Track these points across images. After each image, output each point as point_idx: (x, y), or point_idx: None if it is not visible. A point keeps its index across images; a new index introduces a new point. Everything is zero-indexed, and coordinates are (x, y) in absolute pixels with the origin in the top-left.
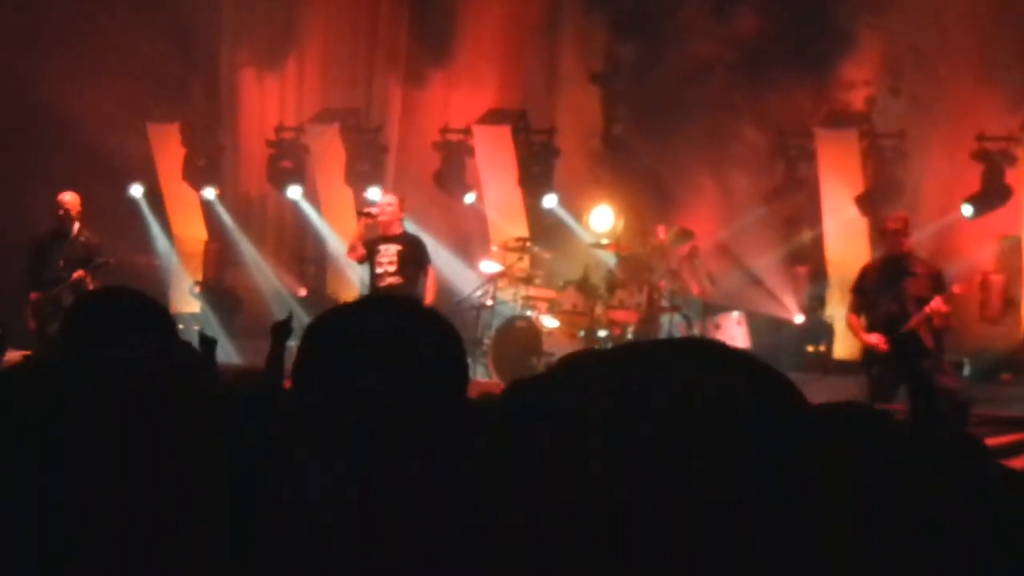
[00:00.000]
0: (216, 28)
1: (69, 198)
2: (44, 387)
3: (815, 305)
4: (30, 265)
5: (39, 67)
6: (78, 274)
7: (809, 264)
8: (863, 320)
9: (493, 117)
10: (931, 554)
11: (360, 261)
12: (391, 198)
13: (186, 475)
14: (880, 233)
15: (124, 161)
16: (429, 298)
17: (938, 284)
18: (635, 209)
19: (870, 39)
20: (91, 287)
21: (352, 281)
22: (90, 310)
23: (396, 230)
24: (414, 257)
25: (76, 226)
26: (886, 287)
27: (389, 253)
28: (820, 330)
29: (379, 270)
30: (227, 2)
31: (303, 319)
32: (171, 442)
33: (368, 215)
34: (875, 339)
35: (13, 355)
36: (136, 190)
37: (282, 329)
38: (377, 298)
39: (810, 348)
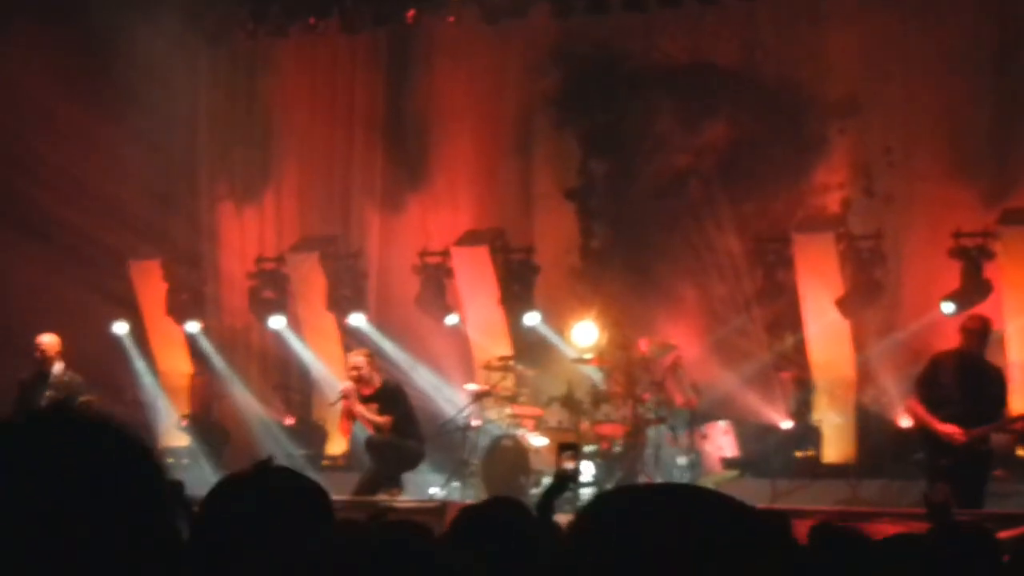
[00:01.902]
0: (193, 164)
1: (47, 340)
2: None
3: (802, 410)
4: (15, 407)
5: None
6: None
7: (793, 369)
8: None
9: (471, 238)
10: None
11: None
12: (359, 360)
13: None
14: (961, 331)
15: (106, 300)
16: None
17: (1005, 388)
18: (617, 322)
19: (842, 143)
20: None
21: (337, 408)
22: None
23: (372, 387)
24: (392, 409)
25: (58, 366)
26: (964, 384)
27: (373, 412)
28: (808, 435)
29: (370, 430)
30: (203, 139)
31: (289, 448)
32: None
33: (343, 397)
34: (951, 429)
35: None
36: (120, 327)
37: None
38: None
39: (799, 453)
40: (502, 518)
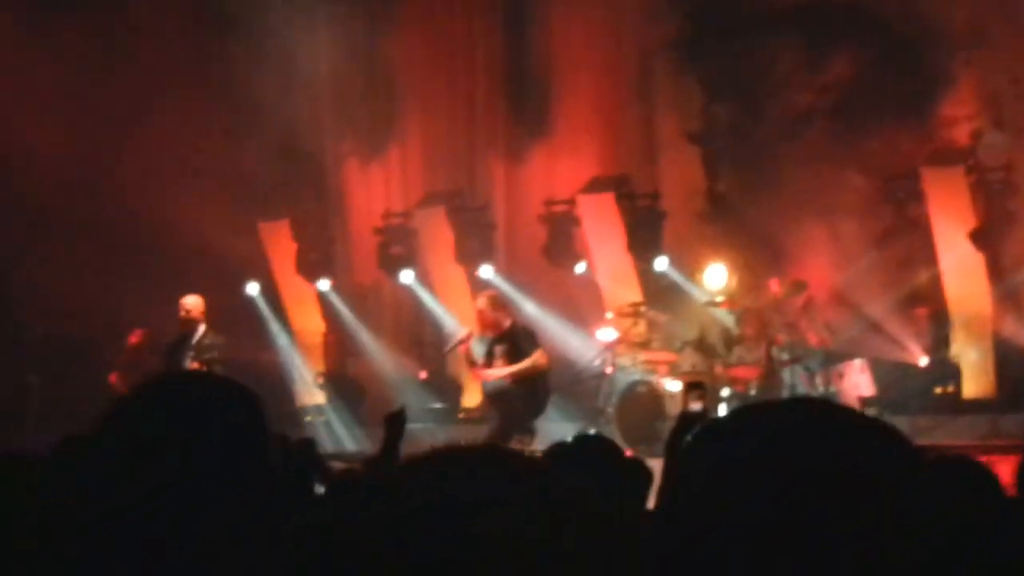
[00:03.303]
0: (318, 123)
1: (191, 301)
2: None
3: (939, 346)
4: (163, 368)
5: (146, 174)
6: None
7: (929, 305)
8: None
9: (596, 185)
10: None
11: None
12: (481, 302)
13: None
14: None
15: (238, 261)
16: (513, 371)
17: None
18: (747, 264)
19: (968, 75)
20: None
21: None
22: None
23: (501, 327)
24: (520, 350)
25: (201, 328)
26: None
27: (500, 353)
28: (947, 371)
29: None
30: (326, 99)
31: (424, 402)
32: None
33: (461, 341)
34: None
35: None
36: (252, 288)
37: (395, 420)
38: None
39: (938, 390)
40: (591, 454)
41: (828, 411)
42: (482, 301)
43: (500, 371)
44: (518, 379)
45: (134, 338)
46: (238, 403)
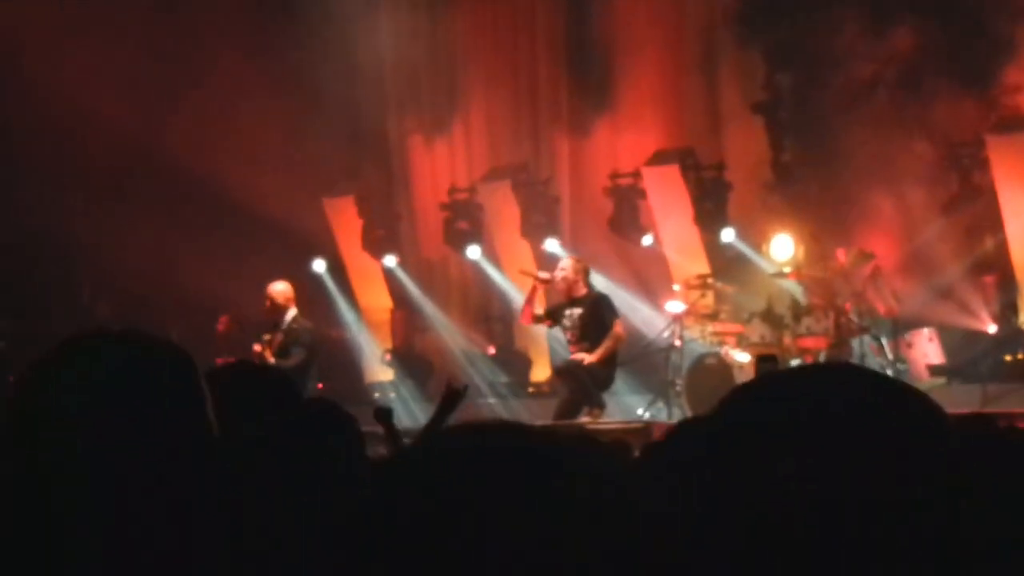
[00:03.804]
0: (382, 100)
1: (278, 288)
2: None
3: (1007, 313)
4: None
5: (217, 152)
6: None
7: (996, 272)
8: None
9: (661, 157)
10: None
11: (534, 323)
12: (567, 263)
13: None
14: None
15: (304, 238)
16: (602, 352)
17: None
18: (813, 235)
19: None
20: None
21: (540, 335)
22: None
23: (577, 293)
24: (597, 318)
25: (291, 312)
26: None
27: (573, 318)
28: (1016, 338)
29: (566, 336)
30: (390, 74)
31: (493, 377)
32: None
33: (540, 280)
34: None
35: None
36: (319, 265)
37: (454, 394)
38: None
39: (1008, 357)
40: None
41: (851, 377)
42: (568, 262)
43: (592, 356)
44: (605, 358)
45: (220, 326)
46: (165, 364)
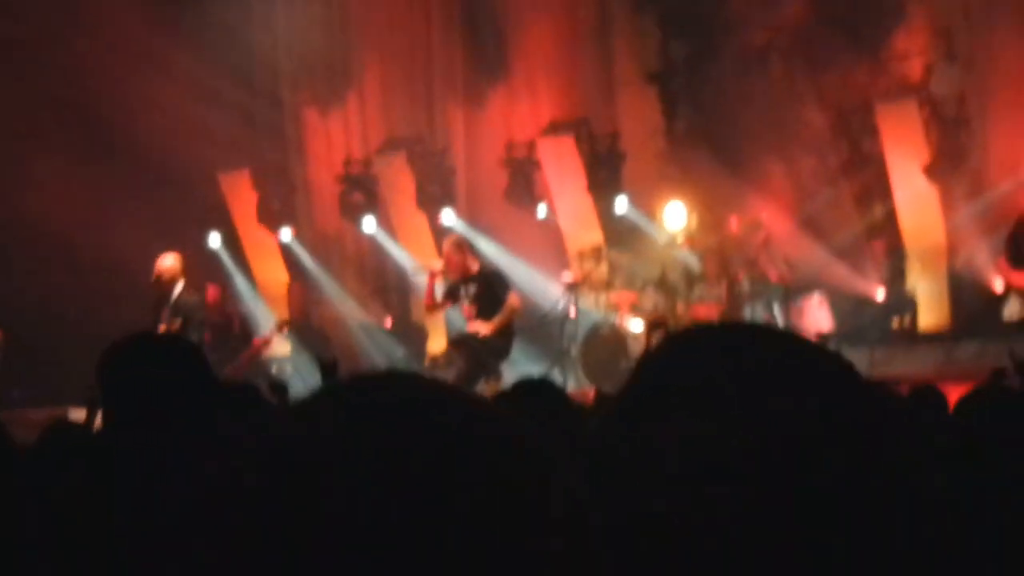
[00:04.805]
0: (275, 74)
1: (166, 264)
2: None
3: (895, 278)
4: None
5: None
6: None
7: (885, 238)
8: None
9: (555, 128)
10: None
11: (439, 310)
12: (447, 245)
13: None
14: None
15: (200, 213)
16: (497, 323)
17: None
18: (706, 203)
19: (920, 8)
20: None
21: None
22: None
23: (471, 269)
24: (491, 292)
25: (179, 285)
26: None
27: (469, 294)
28: (903, 303)
29: (464, 313)
30: (284, 46)
31: (390, 349)
32: None
33: (431, 272)
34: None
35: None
36: (214, 240)
37: (329, 369)
38: None
39: (895, 322)
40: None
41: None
42: (448, 244)
43: (486, 327)
44: (500, 329)
45: (212, 295)
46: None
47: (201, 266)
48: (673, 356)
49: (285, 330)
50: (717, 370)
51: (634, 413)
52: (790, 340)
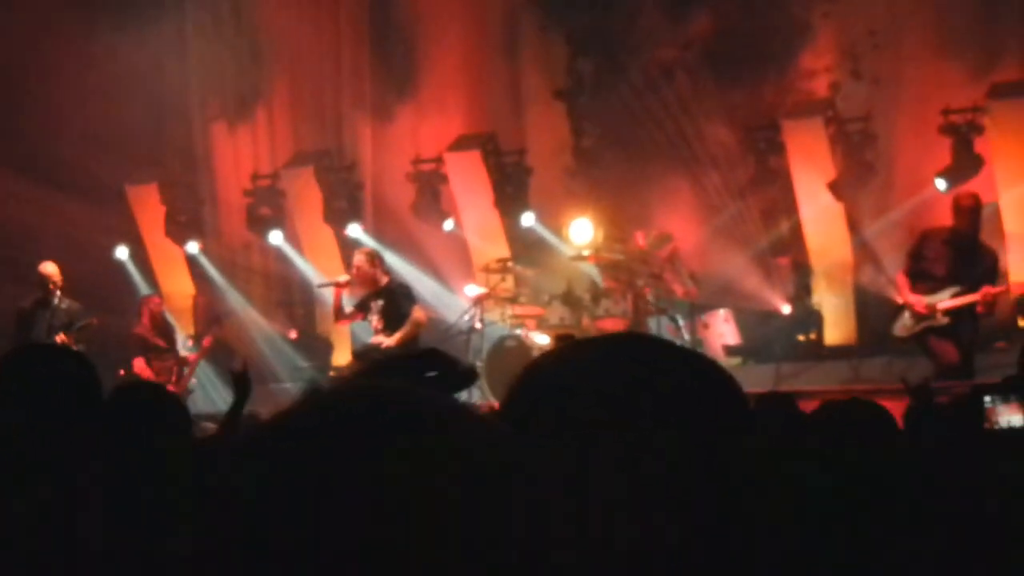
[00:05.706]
0: (184, 87)
1: (49, 269)
2: None
3: (801, 294)
4: (15, 332)
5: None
6: (60, 338)
7: (791, 254)
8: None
9: (463, 143)
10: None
11: (349, 322)
12: (357, 257)
13: None
14: (953, 209)
15: (106, 226)
16: (400, 336)
17: (995, 266)
18: (612, 218)
19: (826, 26)
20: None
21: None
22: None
23: (376, 285)
24: (396, 306)
25: (58, 294)
26: (949, 260)
27: (377, 308)
28: (809, 318)
29: (371, 328)
30: (192, 61)
31: (295, 361)
32: None
33: (338, 284)
34: (913, 300)
35: None
36: (121, 252)
37: (241, 379)
38: None
39: (801, 337)
40: None
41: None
42: (359, 257)
43: (390, 339)
44: (404, 342)
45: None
46: None
47: (108, 279)
48: (555, 365)
49: (191, 343)
50: (597, 378)
51: (521, 419)
52: (667, 347)
